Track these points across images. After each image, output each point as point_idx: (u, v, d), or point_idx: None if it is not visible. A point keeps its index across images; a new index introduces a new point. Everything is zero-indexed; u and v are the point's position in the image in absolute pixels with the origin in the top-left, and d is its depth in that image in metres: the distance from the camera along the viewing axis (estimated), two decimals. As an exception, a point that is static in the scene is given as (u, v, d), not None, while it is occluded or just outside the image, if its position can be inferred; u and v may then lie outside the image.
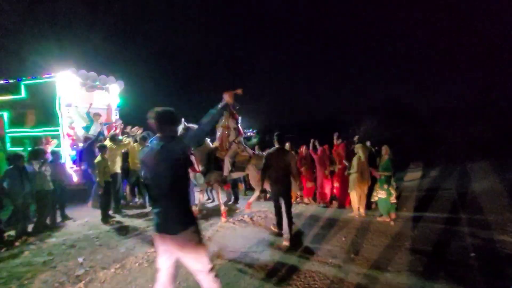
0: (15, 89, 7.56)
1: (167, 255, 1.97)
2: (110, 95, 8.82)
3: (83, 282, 3.20)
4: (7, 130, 7.51)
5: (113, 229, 5.07)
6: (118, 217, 5.73)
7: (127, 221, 5.49)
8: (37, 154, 5.20)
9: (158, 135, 2.03)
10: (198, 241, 1.93)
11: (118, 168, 6.16)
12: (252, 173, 5.59)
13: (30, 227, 4.95)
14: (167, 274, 2.00)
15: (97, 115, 7.83)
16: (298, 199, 6.94)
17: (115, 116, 8.98)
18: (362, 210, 5.64)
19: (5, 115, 7.60)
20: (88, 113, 7.75)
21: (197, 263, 1.94)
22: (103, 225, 5.29)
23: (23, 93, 7.53)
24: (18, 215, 4.75)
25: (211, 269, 1.96)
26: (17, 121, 7.56)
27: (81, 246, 4.29)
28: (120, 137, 6.91)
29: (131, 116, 10.90)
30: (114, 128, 7.97)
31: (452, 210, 5.83)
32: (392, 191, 5.22)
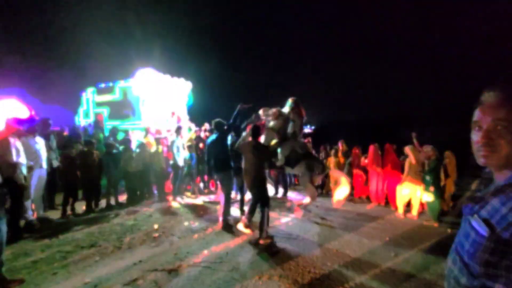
0: (112, 91, 9.45)
1: None
2: (182, 94, 10.11)
3: (157, 242, 4.13)
4: (106, 123, 9.47)
5: (181, 205, 6.14)
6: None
7: (191, 201, 6.54)
8: (123, 142, 6.60)
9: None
10: None
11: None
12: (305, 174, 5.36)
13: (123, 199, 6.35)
14: None
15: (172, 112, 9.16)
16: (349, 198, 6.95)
17: (184, 113, 10.34)
18: (414, 213, 5.48)
19: (105, 111, 9.58)
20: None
21: None
22: (176, 203, 6.41)
23: (117, 94, 9.36)
24: (110, 189, 6.18)
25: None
26: (113, 116, 9.45)
27: (156, 216, 5.39)
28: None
29: (199, 114, 12.28)
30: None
31: None
32: (434, 194, 4.95)
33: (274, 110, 4.90)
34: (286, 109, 4.96)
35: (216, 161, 4.53)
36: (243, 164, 4.25)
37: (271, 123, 4.86)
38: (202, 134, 7.78)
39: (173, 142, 6.62)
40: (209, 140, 4.71)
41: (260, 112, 5.05)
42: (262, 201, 4.02)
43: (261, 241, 3.90)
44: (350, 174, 6.95)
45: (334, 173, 5.87)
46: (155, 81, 8.99)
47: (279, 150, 4.73)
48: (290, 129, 4.89)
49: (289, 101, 4.98)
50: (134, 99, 8.87)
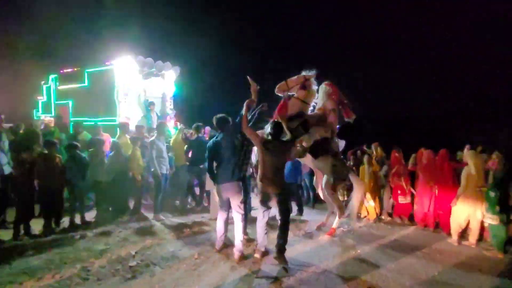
0: (79, 78, 9.55)
1: None
2: (166, 83, 10.21)
3: (134, 272, 4.11)
4: (71, 119, 9.51)
5: (165, 226, 6.13)
6: (170, 215, 6.87)
7: (177, 220, 6.54)
8: (93, 144, 6.57)
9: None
10: None
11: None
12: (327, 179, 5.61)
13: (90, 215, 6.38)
14: None
15: (152, 104, 9.25)
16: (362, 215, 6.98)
17: (169, 106, 10.39)
18: (472, 240, 5.40)
19: (70, 103, 9.67)
20: (146, 101, 9.19)
21: None
22: (155, 221, 6.44)
23: (85, 81, 9.45)
24: (74, 204, 6.14)
25: None
26: (80, 109, 9.49)
27: (133, 240, 5.38)
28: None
29: (185, 105, 12.33)
30: (169, 120, 9.28)
31: None
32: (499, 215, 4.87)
33: (296, 77, 5.49)
34: (321, 100, 5.67)
35: (223, 169, 4.57)
36: (259, 170, 4.48)
37: (297, 93, 5.55)
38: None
39: (152, 143, 6.61)
40: (211, 142, 4.71)
41: (276, 90, 5.49)
42: (284, 215, 4.27)
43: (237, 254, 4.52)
44: (389, 186, 6.93)
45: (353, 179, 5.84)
46: (134, 66, 9.04)
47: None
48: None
49: (324, 87, 5.63)
50: (108, 88, 8.93)
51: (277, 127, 4.48)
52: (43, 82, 10.43)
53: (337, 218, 5.75)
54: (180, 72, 10.42)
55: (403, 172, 6.73)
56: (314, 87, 5.61)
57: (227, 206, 4.74)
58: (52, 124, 8.90)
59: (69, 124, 9.28)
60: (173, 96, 10.51)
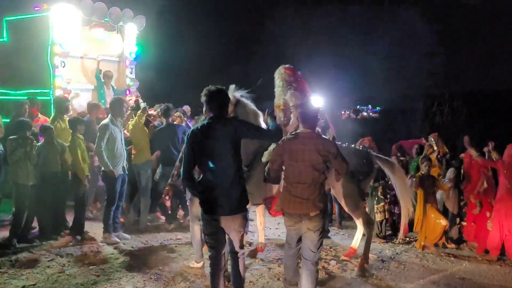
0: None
1: None
2: (125, 40, 10.05)
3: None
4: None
5: (120, 252, 6.03)
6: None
7: (139, 244, 6.44)
8: (19, 129, 6.34)
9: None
10: None
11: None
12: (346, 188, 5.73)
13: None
14: None
15: (109, 74, 8.99)
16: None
17: (130, 76, 10.21)
18: None
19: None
20: (97, 72, 9.04)
21: None
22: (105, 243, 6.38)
23: (4, 35, 9.17)
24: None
25: None
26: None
27: (72, 272, 5.23)
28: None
29: (151, 75, 12.11)
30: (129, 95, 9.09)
31: None
32: None
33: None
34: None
35: (218, 185, 4.01)
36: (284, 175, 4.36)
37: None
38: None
39: (104, 129, 6.42)
40: (192, 130, 4.29)
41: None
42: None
43: None
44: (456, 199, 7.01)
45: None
46: (78, 13, 8.78)
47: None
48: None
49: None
50: (38, 45, 8.63)
51: None
52: None
53: (358, 234, 6.05)
54: (146, 24, 10.29)
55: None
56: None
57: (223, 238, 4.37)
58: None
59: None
60: (134, 60, 10.38)
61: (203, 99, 4.05)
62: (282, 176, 4.46)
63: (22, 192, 6.25)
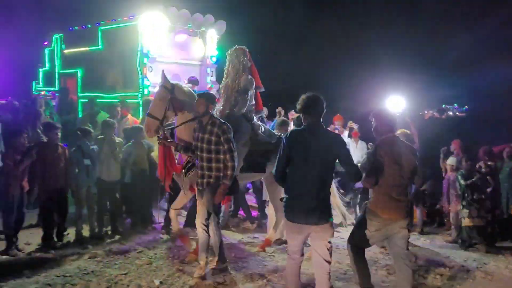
0: (91, 38, 9.89)
1: None
2: (206, 45, 10.23)
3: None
4: (80, 95, 9.90)
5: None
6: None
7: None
8: (105, 128, 6.56)
9: None
10: None
11: None
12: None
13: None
14: None
15: (195, 81, 9.15)
16: None
17: (211, 78, 10.40)
18: None
19: (79, 73, 10.02)
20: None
21: None
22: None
23: (99, 43, 9.77)
24: (80, 209, 6.34)
25: None
26: (91, 81, 9.83)
27: (160, 263, 5.44)
28: None
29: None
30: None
31: None
32: None
33: None
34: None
35: (303, 192, 3.83)
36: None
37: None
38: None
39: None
40: (290, 132, 4.24)
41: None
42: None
43: None
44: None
45: None
46: (163, 22, 9.14)
47: None
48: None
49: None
50: (128, 51, 9.14)
51: None
52: (45, 43, 10.87)
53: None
54: (226, 29, 10.41)
55: None
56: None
57: (301, 248, 4.03)
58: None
59: (77, 101, 9.71)
60: (215, 63, 10.48)
61: (302, 105, 3.94)
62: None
63: (105, 188, 6.51)
